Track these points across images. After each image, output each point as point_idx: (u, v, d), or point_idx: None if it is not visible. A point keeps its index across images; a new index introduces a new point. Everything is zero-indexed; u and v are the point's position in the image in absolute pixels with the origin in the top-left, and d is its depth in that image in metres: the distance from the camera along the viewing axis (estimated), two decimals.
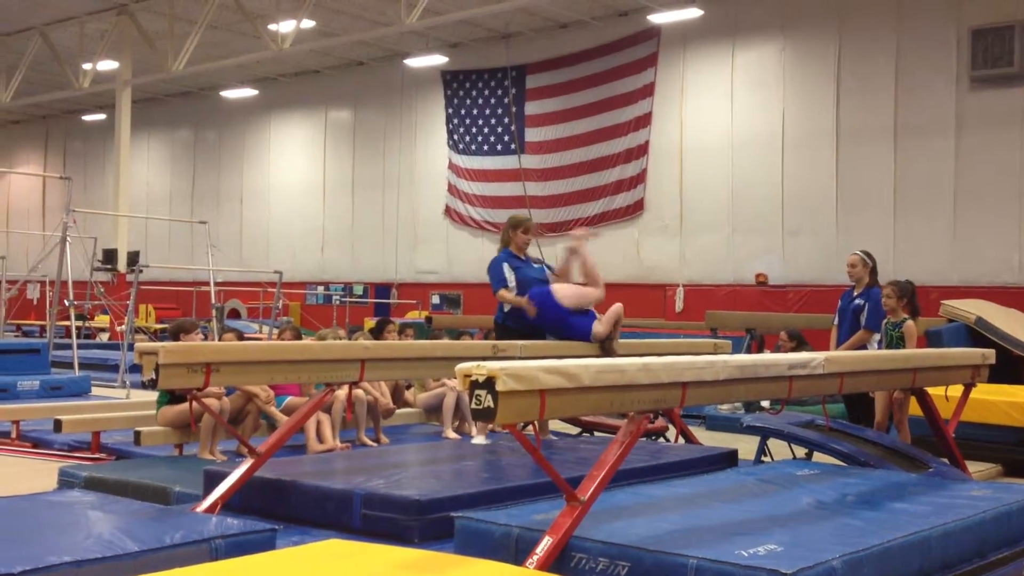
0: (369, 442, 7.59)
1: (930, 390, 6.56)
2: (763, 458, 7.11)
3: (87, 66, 22.87)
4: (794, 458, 7.31)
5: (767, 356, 5.99)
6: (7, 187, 33.26)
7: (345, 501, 4.85)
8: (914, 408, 6.97)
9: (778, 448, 7.45)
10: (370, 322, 16.08)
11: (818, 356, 5.18)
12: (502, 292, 7.27)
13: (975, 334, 10.89)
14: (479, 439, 7.04)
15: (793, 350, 10.31)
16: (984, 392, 7.73)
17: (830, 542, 3.86)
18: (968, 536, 4.45)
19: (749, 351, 12.21)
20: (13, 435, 8.19)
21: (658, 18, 18.97)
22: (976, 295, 13.92)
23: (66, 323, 14.22)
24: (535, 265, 7.53)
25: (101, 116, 29.08)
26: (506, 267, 7.34)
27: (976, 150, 16.27)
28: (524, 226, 7.55)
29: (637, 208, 20.04)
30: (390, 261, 23.95)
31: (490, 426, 7.23)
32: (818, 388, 5.39)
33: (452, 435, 8.00)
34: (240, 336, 7.80)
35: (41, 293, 23.07)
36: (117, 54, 22.15)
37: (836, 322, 8.18)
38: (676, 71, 19.60)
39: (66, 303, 13.39)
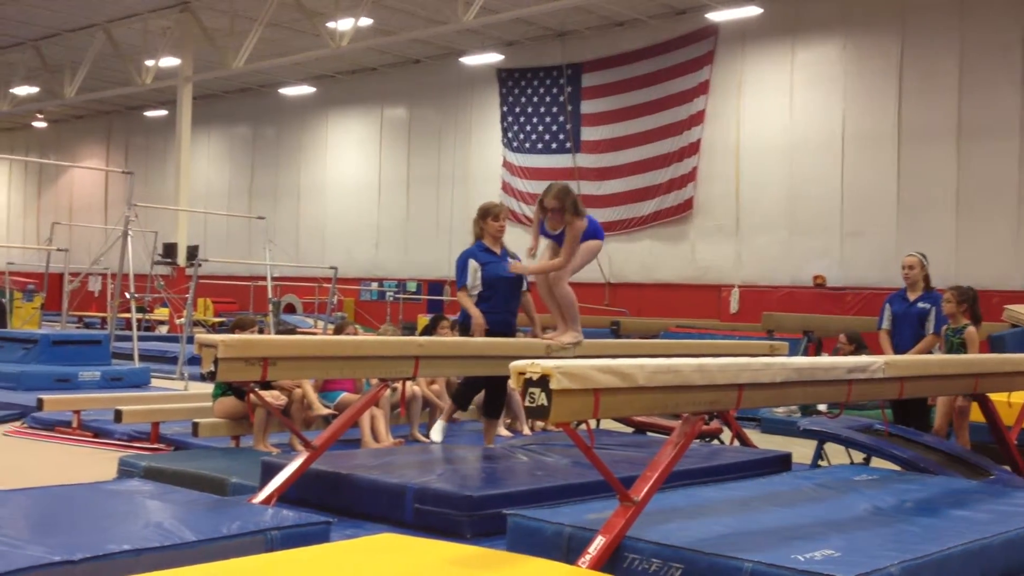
0: (422, 438, 7.61)
1: (992, 396, 6.44)
2: (820, 462, 7.02)
3: (149, 62, 23.27)
4: (851, 463, 7.21)
5: (825, 359, 5.92)
6: (71, 181, 33.94)
7: (398, 495, 4.87)
8: (976, 414, 6.84)
9: (835, 452, 7.34)
10: (424, 319, 16.16)
11: (878, 360, 5.10)
12: (460, 294, 6.85)
13: None
14: (437, 435, 6.95)
15: (852, 353, 10.15)
16: None
17: (888, 548, 3.80)
18: None
19: (806, 354, 12.06)
20: (74, 424, 8.34)
21: (716, 16, 18.82)
22: None
23: (127, 315, 14.48)
24: (510, 259, 6.92)
25: (163, 112, 29.56)
26: (471, 264, 6.84)
27: None
28: (494, 213, 6.96)
29: (687, 207, 19.90)
30: (443, 258, 23.99)
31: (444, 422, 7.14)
32: (878, 392, 5.30)
33: (504, 432, 8.00)
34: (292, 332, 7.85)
35: (103, 286, 23.52)
36: (179, 51, 22.51)
37: (887, 327, 7.82)
38: (734, 69, 19.43)
39: (127, 296, 13.61)
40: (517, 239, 22.82)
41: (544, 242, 6.69)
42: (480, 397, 7.82)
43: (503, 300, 6.86)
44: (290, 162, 27.65)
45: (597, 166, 21.17)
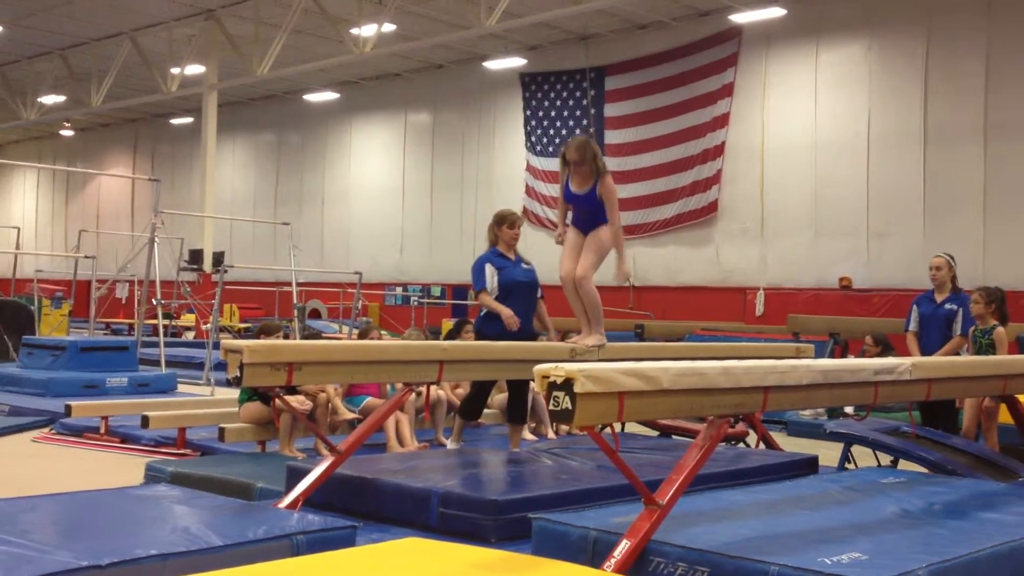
0: (446, 442, 7.62)
1: (1021, 398, 6.37)
2: (847, 465, 6.98)
3: (175, 70, 23.42)
4: (879, 465, 7.16)
5: (852, 361, 5.88)
6: (98, 189, 34.23)
7: (423, 500, 4.88)
8: (1004, 416, 6.77)
9: (862, 455, 7.29)
10: (448, 323, 16.16)
11: (905, 362, 5.07)
12: (482, 296, 6.87)
13: None
14: (452, 444, 6.98)
15: (879, 355, 10.08)
16: None
17: (916, 551, 3.78)
18: None
19: (832, 356, 11.99)
20: (102, 430, 8.40)
21: (740, 18, 18.76)
22: None
23: (153, 322, 14.57)
24: (524, 266, 7.04)
25: (188, 119, 29.77)
26: (488, 268, 6.91)
27: None
28: (509, 220, 7.04)
29: (711, 209, 19.84)
30: (467, 262, 23.80)
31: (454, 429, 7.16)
32: (905, 394, 5.27)
33: (529, 436, 7.99)
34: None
35: (130, 292, 23.65)
36: (204, 59, 22.65)
37: (914, 328, 7.76)
38: (758, 71, 19.35)
39: (154, 302, 13.69)
40: (540, 242, 22.86)
41: (570, 237, 6.67)
42: (503, 402, 7.82)
43: (518, 304, 6.87)
44: (315, 168, 27.77)
45: (621, 169, 21.09)
